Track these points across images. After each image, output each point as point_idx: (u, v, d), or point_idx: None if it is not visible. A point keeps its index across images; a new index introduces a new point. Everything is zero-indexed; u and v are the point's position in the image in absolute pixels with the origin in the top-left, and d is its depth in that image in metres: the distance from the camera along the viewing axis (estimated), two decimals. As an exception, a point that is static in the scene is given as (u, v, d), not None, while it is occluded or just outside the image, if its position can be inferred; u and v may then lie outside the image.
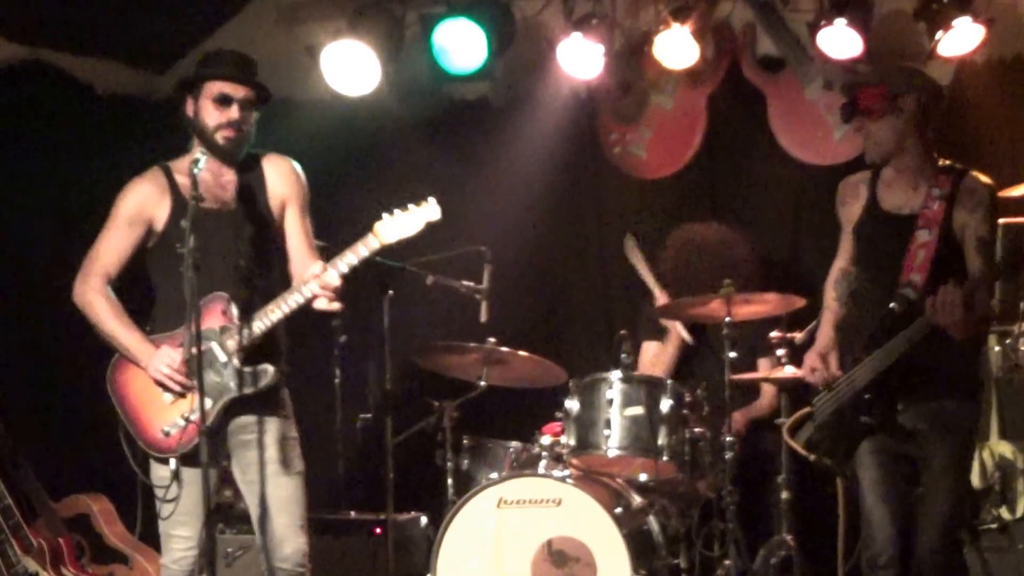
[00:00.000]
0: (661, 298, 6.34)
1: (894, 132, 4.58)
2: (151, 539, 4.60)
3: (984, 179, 4.60)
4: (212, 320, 4.38)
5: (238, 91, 4.45)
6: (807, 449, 4.94)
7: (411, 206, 4.41)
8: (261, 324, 4.42)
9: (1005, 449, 5.75)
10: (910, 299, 4.41)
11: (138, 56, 6.69)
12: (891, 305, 4.44)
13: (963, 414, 4.54)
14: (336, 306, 4.43)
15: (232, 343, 4.39)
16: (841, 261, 4.82)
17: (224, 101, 4.43)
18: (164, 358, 4.39)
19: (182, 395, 4.39)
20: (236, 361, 4.40)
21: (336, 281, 4.37)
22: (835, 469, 4.90)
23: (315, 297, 4.40)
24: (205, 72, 4.47)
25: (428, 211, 4.43)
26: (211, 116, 4.44)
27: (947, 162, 4.63)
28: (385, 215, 4.40)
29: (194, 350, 4.15)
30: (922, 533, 4.50)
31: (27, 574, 5.63)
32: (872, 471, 4.60)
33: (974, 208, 4.51)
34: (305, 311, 4.47)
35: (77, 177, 6.16)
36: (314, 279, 4.39)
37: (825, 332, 4.76)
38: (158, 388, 4.43)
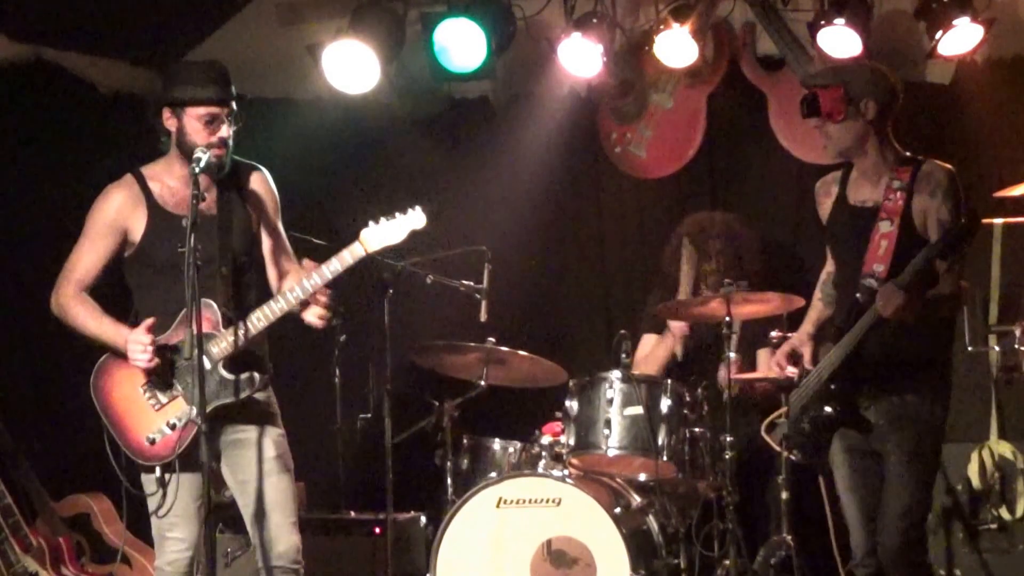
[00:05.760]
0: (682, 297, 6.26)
1: (854, 135, 4.52)
2: (151, 539, 4.59)
3: (942, 164, 4.53)
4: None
5: (224, 108, 4.41)
6: (782, 446, 4.95)
7: (397, 214, 4.44)
8: (249, 330, 4.40)
9: (1005, 449, 5.75)
10: (873, 289, 4.41)
11: (140, 54, 6.68)
12: (856, 296, 4.44)
13: (924, 408, 4.46)
14: (318, 323, 4.44)
15: (218, 351, 4.38)
16: (829, 265, 4.82)
17: (213, 121, 4.39)
18: (136, 344, 4.33)
19: (163, 388, 4.39)
20: (222, 369, 4.40)
21: (320, 284, 4.37)
22: (811, 465, 4.91)
23: (300, 302, 4.40)
24: (189, 96, 4.40)
25: (413, 219, 4.46)
26: (199, 135, 4.39)
27: (908, 153, 4.59)
28: (371, 222, 4.42)
29: (194, 354, 4.15)
30: (881, 530, 4.48)
31: (27, 573, 5.63)
32: (844, 470, 4.60)
33: (932, 192, 4.46)
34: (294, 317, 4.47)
35: (79, 175, 6.15)
36: (299, 283, 4.39)
37: (803, 328, 4.76)
38: (143, 394, 4.42)
